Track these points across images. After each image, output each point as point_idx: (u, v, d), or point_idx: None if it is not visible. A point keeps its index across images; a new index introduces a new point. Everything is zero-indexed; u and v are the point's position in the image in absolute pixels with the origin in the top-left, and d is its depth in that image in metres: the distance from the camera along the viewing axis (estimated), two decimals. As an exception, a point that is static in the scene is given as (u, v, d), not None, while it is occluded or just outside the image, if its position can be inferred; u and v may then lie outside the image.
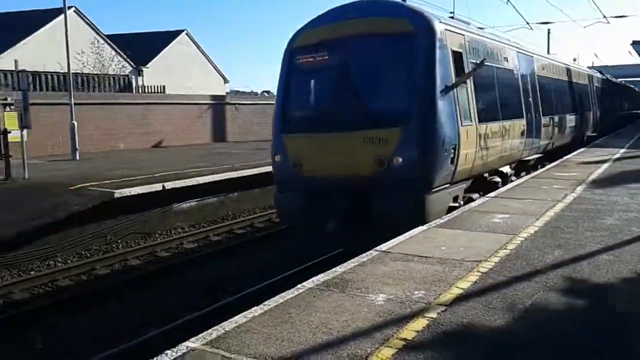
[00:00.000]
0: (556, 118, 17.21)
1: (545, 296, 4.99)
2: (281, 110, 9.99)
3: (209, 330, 4.36)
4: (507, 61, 13.03)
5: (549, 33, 44.29)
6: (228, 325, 4.47)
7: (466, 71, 9.93)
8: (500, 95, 12.01)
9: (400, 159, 8.59)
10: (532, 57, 15.78)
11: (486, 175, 11.35)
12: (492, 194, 10.79)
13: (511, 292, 5.09)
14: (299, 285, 5.41)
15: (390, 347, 3.96)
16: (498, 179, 11.93)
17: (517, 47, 14.57)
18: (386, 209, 8.66)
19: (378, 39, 9.20)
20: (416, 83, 8.96)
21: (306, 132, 9.58)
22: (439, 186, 9.03)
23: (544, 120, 15.53)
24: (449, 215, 8.82)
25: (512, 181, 12.62)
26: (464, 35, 10.46)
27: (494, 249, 6.56)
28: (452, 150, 9.09)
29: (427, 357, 3.81)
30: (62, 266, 11.32)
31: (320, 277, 5.63)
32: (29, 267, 11.15)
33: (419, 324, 4.36)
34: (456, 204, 9.63)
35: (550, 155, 17.08)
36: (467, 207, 9.48)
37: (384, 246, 6.85)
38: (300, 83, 10.10)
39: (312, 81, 10.13)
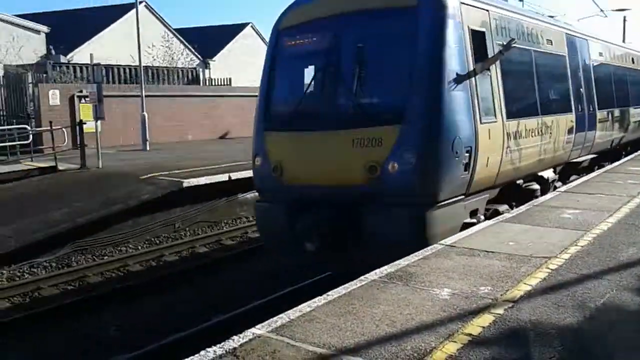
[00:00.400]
0: (617, 112, 14.93)
1: (618, 296, 4.80)
2: (264, 103, 8.40)
3: (274, 318, 4.44)
4: (551, 44, 10.89)
5: (624, 21, 42.27)
6: (293, 313, 4.54)
7: (490, 55, 8.20)
8: (539, 86, 10.08)
9: (397, 166, 7.02)
10: (586, 40, 13.42)
11: (520, 182, 9.52)
12: (562, 189, 10.44)
13: (582, 290, 4.92)
14: (362, 277, 5.42)
15: (455, 342, 3.92)
16: (536, 186, 9.97)
17: (567, 29, 12.42)
18: (378, 228, 7.17)
19: (375, 16, 7.61)
20: (418, 70, 7.26)
21: (288, 130, 7.96)
22: (448, 199, 7.38)
23: (601, 114, 13.32)
24: (516, 209, 8.59)
25: (556, 188, 10.74)
26: (488, 10, 8.54)
27: (564, 245, 6.35)
28: (467, 154, 7.42)
29: (493, 354, 3.75)
30: (133, 252, 11.78)
31: (384, 270, 5.62)
32: (102, 252, 11.66)
33: (485, 319, 4.29)
34: (473, 220, 7.90)
35: (613, 154, 15.22)
36: (537, 201, 9.21)
37: (448, 240, 6.76)
38: (286, 71, 8.52)
39: (299, 68, 8.42)
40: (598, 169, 13.43)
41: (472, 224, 7.72)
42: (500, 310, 4.47)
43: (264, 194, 8.51)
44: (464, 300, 4.70)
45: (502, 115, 8.33)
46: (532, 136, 9.35)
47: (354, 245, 7.40)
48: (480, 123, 7.66)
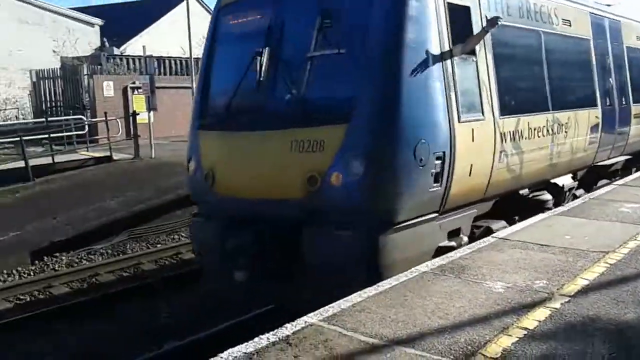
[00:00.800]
0: None
1: (682, 292, 4.64)
2: (199, 96, 7.22)
3: (326, 307, 4.47)
4: (569, 25, 9.14)
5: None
6: (344, 303, 4.56)
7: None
8: (550, 75, 8.38)
9: (341, 177, 5.63)
10: (619, 22, 11.41)
11: (524, 191, 7.90)
12: (619, 182, 10.10)
13: (642, 286, 4.78)
14: (413, 269, 5.41)
15: (510, 335, 3.87)
16: (547, 197, 8.36)
17: (592, 7, 10.38)
18: (318, 255, 5.80)
19: None
20: (370, 52, 5.80)
21: (221, 129, 6.72)
22: (412, 218, 5.92)
23: (637, 108, 11.50)
24: (571, 203, 8.37)
25: (576, 197, 9.16)
26: None
27: (623, 239, 6.16)
28: (438, 162, 5.92)
29: (550, 348, 3.68)
30: (186, 240, 12.02)
31: (435, 262, 5.60)
32: (156, 240, 11.96)
33: (541, 314, 4.22)
34: (452, 243, 6.40)
35: None
36: (592, 194, 8.96)
37: (501, 233, 6.68)
38: (224, 57, 7.13)
39: (237, 54, 6.85)
40: (636, 171, 11.82)
41: (451, 248, 6.25)
42: (556, 305, 4.38)
43: (199, 207, 7.35)
44: (518, 294, 4.63)
45: (493, 111, 6.81)
46: (539, 136, 7.82)
47: (293, 276, 6.09)
48: (459, 121, 6.15)
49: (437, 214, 6.21)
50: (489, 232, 6.95)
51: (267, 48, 6.33)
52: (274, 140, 6.13)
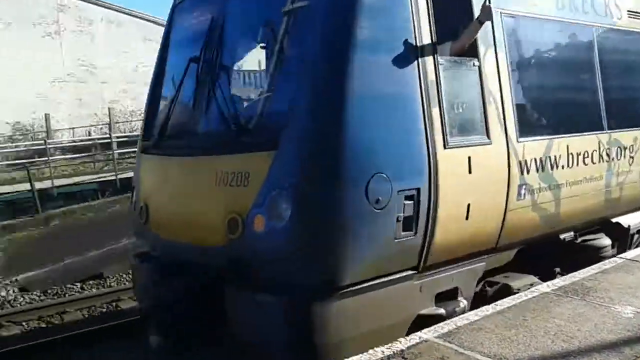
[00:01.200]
0: None
1: None
2: (145, 114, 6.15)
3: (441, 324, 4.43)
4: (638, 19, 7.10)
5: None
6: (459, 321, 4.48)
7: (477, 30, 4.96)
8: (606, 83, 6.50)
9: (265, 220, 4.29)
10: None
11: (567, 235, 6.15)
12: None
13: None
14: (532, 289, 5.20)
15: (643, 365, 3.62)
16: (604, 242, 6.50)
17: None
18: (240, 327, 4.54)
19: None
20: (307, 58, 4.47)
21: (157, 153, 5.60)
22: (371, 279, 4.44)
23: None
24: None
25: None
26: None
27: None
28: (408, 202, 4.44)
29: (690, 382, 3.40)
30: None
31: (557, 282, 5.35)
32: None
33: (678, 343, 3.91)
34: (440, 311, 4.85)
35: None
36: None
37: (629, 254, 6.26)
38: (172, 67, 5.94)
39: (182, 63, 5.52)
40: None
41: (441, 318, 4.71)
42: (695, 335, 4.04)
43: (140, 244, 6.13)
44: (651, 321, 4.32)
45: (506, 132, 5.19)
46: (585, 163, 6.10)
47: (213, 343, 4.90)
48: (445, 147, 4.65)
49: (415, 272, 4.71)
50: (505, 292, 5.33)
51: (204, 54, 5.23)
52: (200, 170, 4.94)
